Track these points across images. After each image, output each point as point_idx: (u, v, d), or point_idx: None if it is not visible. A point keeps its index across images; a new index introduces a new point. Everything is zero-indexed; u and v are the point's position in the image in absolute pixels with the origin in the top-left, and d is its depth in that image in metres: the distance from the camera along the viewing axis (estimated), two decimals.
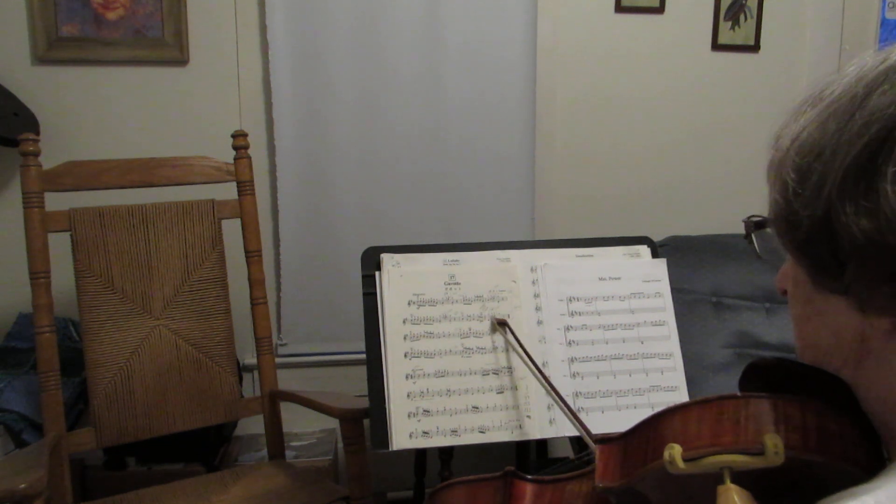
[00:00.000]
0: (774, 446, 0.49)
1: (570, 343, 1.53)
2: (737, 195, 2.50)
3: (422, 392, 1.46)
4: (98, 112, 2.20)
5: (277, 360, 2.09)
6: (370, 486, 1.69)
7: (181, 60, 2.21)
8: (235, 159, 1.92)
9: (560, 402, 1.36)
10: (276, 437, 1.93)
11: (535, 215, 2.45)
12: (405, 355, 1.48)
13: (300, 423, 2.30)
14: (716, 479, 0.51)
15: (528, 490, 0.69)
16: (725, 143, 2.53)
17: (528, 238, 2.41)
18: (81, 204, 1.79)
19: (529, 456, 2.32)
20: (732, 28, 2.48)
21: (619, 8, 2.42)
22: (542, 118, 2.42)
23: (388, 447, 1.42)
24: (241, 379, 2.07)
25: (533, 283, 1.57)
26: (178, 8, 2.17)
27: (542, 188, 2.45)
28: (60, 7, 2.12)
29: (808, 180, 0.51)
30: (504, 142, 2.40)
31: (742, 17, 2.47)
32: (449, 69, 2.33)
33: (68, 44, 2.14)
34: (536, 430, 1.46)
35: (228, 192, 1.92)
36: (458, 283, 1.55)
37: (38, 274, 1.70)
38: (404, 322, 1.50)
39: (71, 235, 1.76)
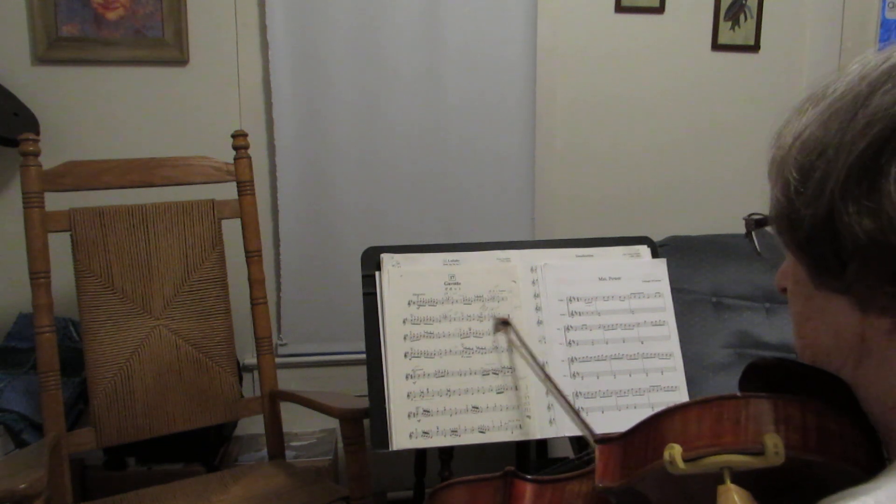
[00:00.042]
0: (775, 446, 0.49)
1: (570, 343, 1.53)
2: (737, 195, 2.50)
3: (422, 392, 1.46)
4: (98, 112, 2.20)
5: (277, 360, 2.09)
6: (370, 486, 1.69)
7: (181, 60, 2.21)
8: (235, 159, 1.92)
9: (564, 401, 1.36)
10: (276, 437, 1.93)
11: (535, 215, 2.45)
12: (405, 355, 1.48)
13: (300, 423, 2.30)
14: (716, 479, 0.51)
15: (528, 490, 0.69)
16: (725, 143, 2.53)
17: (528, 238, 2.41)
18: (81, 204, 1.79)
19: (529, 456, 2.32)
20: (732, 28, 2.48)
21: (619, 8, 2.42)
22: (542, 118, 2.42)
23: (388, 447, 1.42)
24: (241, 379, 2.07)
25: (533, 283, 1.57)
26: (178, 8, 2.17)
27: (542, 188, 2.45)
28: (60, 7, 2.12)
29: (811, 179, 0.51)
30: (504, 142, 2.40)
31: (742, 17, 2.47)
32: (449, 69, 2.33)
33: (68, 44, 2.14)
34: (536, 430, 1.46)
35: (228, 192, 1.92)
36: (458, 283, 1.55)
37: (38, 274, 1.70)
38: (404, 322, 1.50)
39: (71, 235, 1.75)
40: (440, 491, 0.72)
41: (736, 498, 0.49)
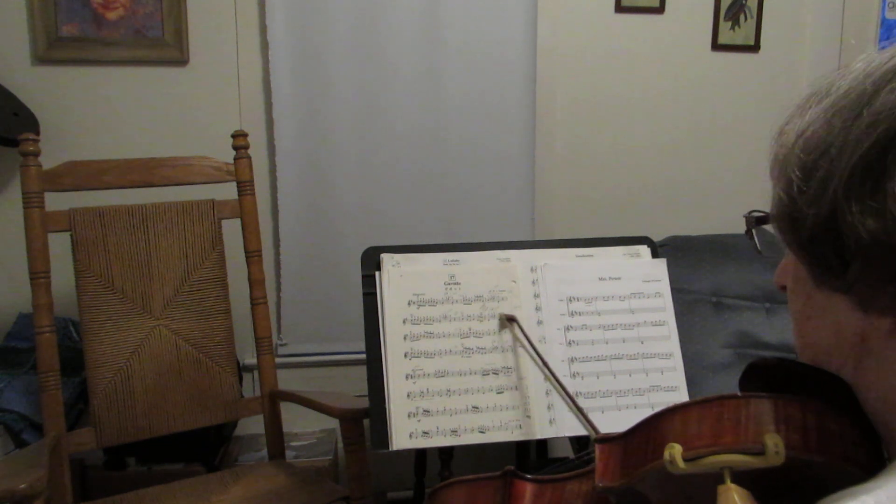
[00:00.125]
0: (775, 446, 0.49)
1: (570, 343, 1.53)
2: (737, 195, 2.50)
3: (422, 392, 1.46)
4: (98, 112, 2.20)
5: (277, 360, 2.09)
6: (370, 486, 1.69)
7: (181, 60, 2.21)
8: (235, 159, 1.92)
9: (568, 398, 1.36)
10: (276, 437, 1.93)
11: (535, 215, 2.45)
12: (405, 355, 1.48)
13: (300, 423, 2.30)
14: (716, 478, 0.51)
15: (528, 490, 0.69)
16: (725, 143, 2.53)
17: (528, 238, 2.41)
18: (81, 204, 1.79)
19: (529, 456, 2.33)
20: (732, 28, 2.48)
21: (619, 8, 2.42)
22: (542, 118, 2.42)
23: (388, 447, 1.42)
24: (241, 379, 2.06)
25: (533, 283, 1.57)
26: (178, 8, 2.17)
27: (542, 188, 2.45)
28: (60, 7, 2.12)
29: (813, 178, 0.51)
30: (504, 142, 2.40)
31: (742, 17, 2.47)
32: (449, 69, 2.33)
33: (68, 44, 2.14)
34: (536, 430, 1.46)
35: (228, 192, 1.92)
36: (458, 283, 1.55)
37: (38, 274, 1.70)
38: (404, 322, 1.50)
39: (71, 235, 1.76)
40: (440, 490, 0.72)
41: (736, 498, 0.49)
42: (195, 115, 2.24)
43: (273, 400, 1.92)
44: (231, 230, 1.94)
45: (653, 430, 0.56)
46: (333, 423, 2.04)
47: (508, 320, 1.49)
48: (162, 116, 2.23)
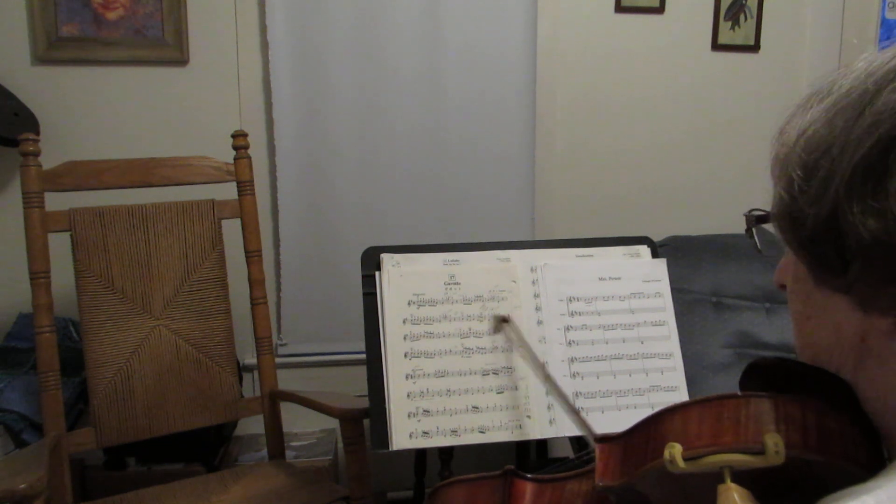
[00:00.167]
0: (775, 445, 0.49)
1: (570, 343, 1.53)
2: (737, 195, 2.50)
3: (422, 392, 1.46)
4: (98, 112, 2.20)
5: (277, 360, 2.09)
6: (370, 486, 1.69)
7: (181, 60, 2.21)
8: (235, 159, 1.92)
9: (562, 399, 1.36)
10: (276, 437, 1.93)
11: (535, 215, 2.45)
12: (405, 355, 1.48)
13: (300, 423, 2.30)
14: (716, 478, 0.51)
15: (528, 489, 0.69)
16: (725, 143, 2.53)
17: (528, 238, 2.41)
18: (81, 204, 1.79)
19: (529, 456, 2.33)
20: (732, 28, 2.48)
21: (619, 8, 2.42)
22: (542, 118, 2.42)
23: (388, 447, 1.42)
24: (241, 379, 2.06)
25: (533, 283, 1.57)
26: (178, 8, 2.17)
27: (542, 188, 2.45)
28: (60, 7, 2.12)
29: (815, 177, 0.51)
30: (504, 142, 2.40)
31: (742, 17, 2.47)
32: (449, 69, 2.33)
33: (68, 44, 2.14)
34: (536, 430, 1.46)
35: (228, 192, 1.92)
36: (458, 283, 1.55)
37: (38, 274, 1.70)
38: (404, 322, 1.50)
39: (71, 235, 1.75)
40: (440, 489, 0.72)
41: (736, 497, 0.49)
42: (195, 115, 2.24)
43: (273, 400, 1.92)
44: (231, 230, 1.94)
45: (653, 429, 0.56)
46: (333, 423, 2.04)
47: (502, 321, 1.49)
48: (162, 116, 2.23)
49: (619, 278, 1.60)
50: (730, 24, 2.47)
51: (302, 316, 2.37)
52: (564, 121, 2.45)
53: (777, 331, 2.13)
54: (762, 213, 0.61)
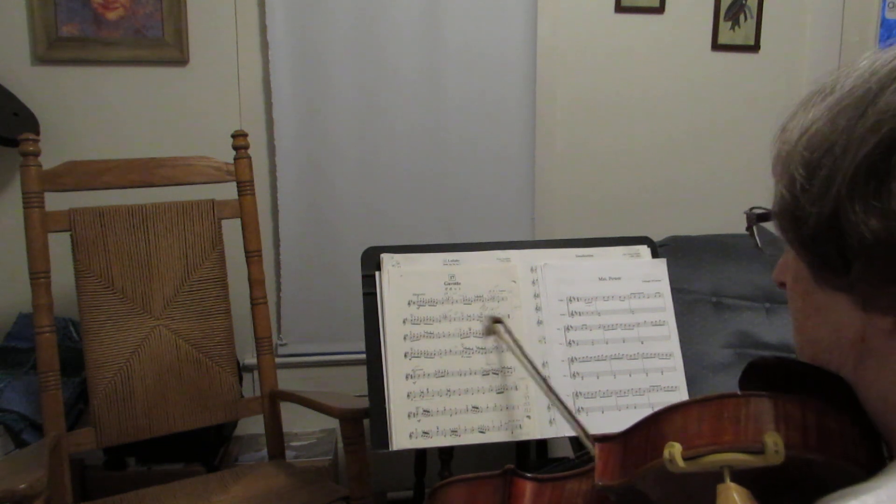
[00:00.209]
0: (775, 445, 0.49)
1: (570, 343, 1.53)
2: (737, 195, 2.50)
3: (422, 392, 1.46)
4: (98, 112, 2.20)
5: (277, 360, 2.09)
6: (370, 486, 1.69)
7: (181, 60, 2.21)
8: (235, 159, 1.92)
9: (556, 400, 1.36)
10: (276, 437, 1.93)
11: (535, 215, 2.45)
12: (405, 355, 1.48)
13: (300, 423, 2.30)
14: (716, 477, 0.51)
15: (528, 488, 0.69)
16: (725, 143, 2.53)
17: (528, 238, 2.41)
18: (81, 204, 1.79)
19: (529, 456, 2.33)
20: (732, 28, 2.48)
21: (619, 8, 2.42)
22: (542, 118, 2.42)
23: (388, 447, 1.42)
24: (241, 379, 2.06)
25: (533, 283, 1.57)
26: (178, 8, 2.17)
27: (542, 188, 2.45)
28: (60, 7, 2.12)
29: (817, 176, 0.50)
30: (504, 142, 2.40)
31: (742, 17, 2.47)
32: (449, 69, 2.33)
33: (68, 44, 2.14)
34: (536, 430, 1.46)
35: (228, 192, 1.92)
36: (458, 283, 1.55)
37: (38, 274, 1.70)
38: (404, 322, 1.50)
39: (71, 235, 1.76)
40: (440, 489, 0.72)
41: (736, 496, 0.49)
42: (195, 115, 2.24)
43: (273, 400, 1.92)
44: (231, 230, 1.94)
45: (653, 428, 0.56)
46: (333, 423, 2.04)
47: (494, 322, 1.49)
48: (162, 116, 2.23)
49: (619, 278, 1.59)
50: (730, 24, 2.47)
51: (302, 316, 2.37)
52: (564, 121, 2.45)
53: (777, 331, 2.13)
54: (763, 211, 0.61)
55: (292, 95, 2.28)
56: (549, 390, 1.37)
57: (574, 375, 1.51)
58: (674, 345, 1.56)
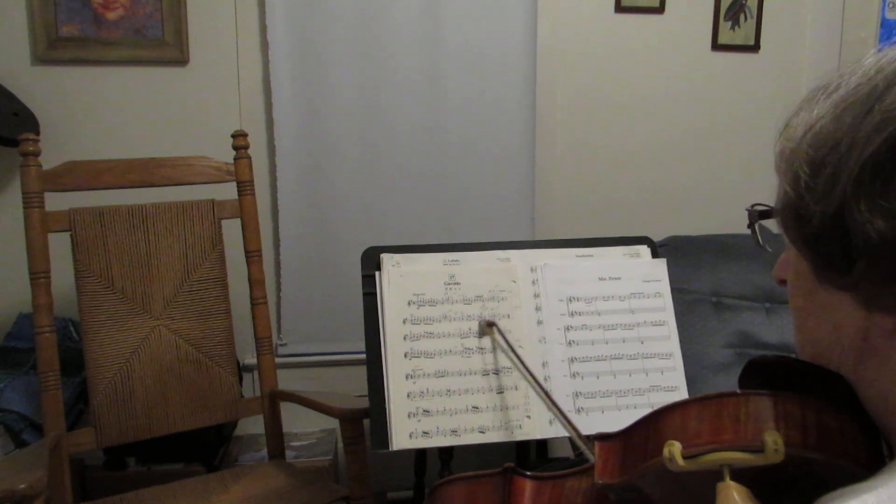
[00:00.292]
0: (774, 443, 0.49)
1: (570, 343, 1.53)
2: (736, 195, 2.50)
3: (422, 392, 1.46)
4: (98, 112, 2.20)
5: (277, 360, 2.09)
6: (370, 486, 1.69)
7: (181, 60, 2.21)
8: (235, 159, 1.92)
9: (548, 401, 1.36)
10: (276, 437, 1.93)
11: (535, 215, 2.45)
12: (405, 355, 1.48)
13: (300, 423, 2.30)
14: (716, 476, 0.51)
15: (528, 486, 0.69)
16: (725, 143, 2.53)
17: (528, 238, 2.41)
18: (81, 204, 1.79)
19: (529, 456, 2.32)
20: (732, 28, 2.48)
21: (619, 8, 2.42)
22: (542, 118, 2.42)
23: (388, 447, 1.42)
24: (241, 379, 2.06)
25: (533, 283, 1.57)
26: (178, 8, 2.17)
27: (542, 188, 2.45)
28: (60, 7, 2.12)
29: (821, 174, 0.50)
30: (504, 142, 2.40)
31: (742, 17, 2.47)
32: (449, 69, 2.33)
33: (68, 44, 2.14)
34: (536, 430, 1.46)
35: (228, 192, 1.92)
36: (458, 283, 1.55)
37: (38, 274, 1.70)
38: (404, 322, 1.50)
39: (71, 235, 1.75)
40: (440, 487, 0.72)
41: (735, 495, 0.49)
42: (195, 115, 2.24)
43: (273, 400, 1.92)
44: (231, 230, 1.94)
45: (652, 427, 0.56)
46: (333, 423, 2.04)
47: (488, 325, 1.49)
48: (162, 116, 2.23)
49: (619, 278, 1.59)
50: (730, 24, 2.47)
51: (302, 316, 2.37)
52: (564, 121, 2.45)
53: (777, 331, 2.13)
54: (765, 208, 0.61)
55: (292, 95, 2.28)
56: (542, 392, 1.37)
57: (574, 375, 1.51)
58: (674, 345, 1.56)
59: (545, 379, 1.48)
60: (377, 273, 1.54)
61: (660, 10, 2.44)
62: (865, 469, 0.49)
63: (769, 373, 0.57)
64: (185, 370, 1.83)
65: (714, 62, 2.49)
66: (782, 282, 0.60)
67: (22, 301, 2.00)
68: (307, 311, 2.37)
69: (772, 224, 0.59)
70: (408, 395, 1.45)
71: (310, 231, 2.35)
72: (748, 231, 0.65)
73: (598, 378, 1.51)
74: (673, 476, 0.52)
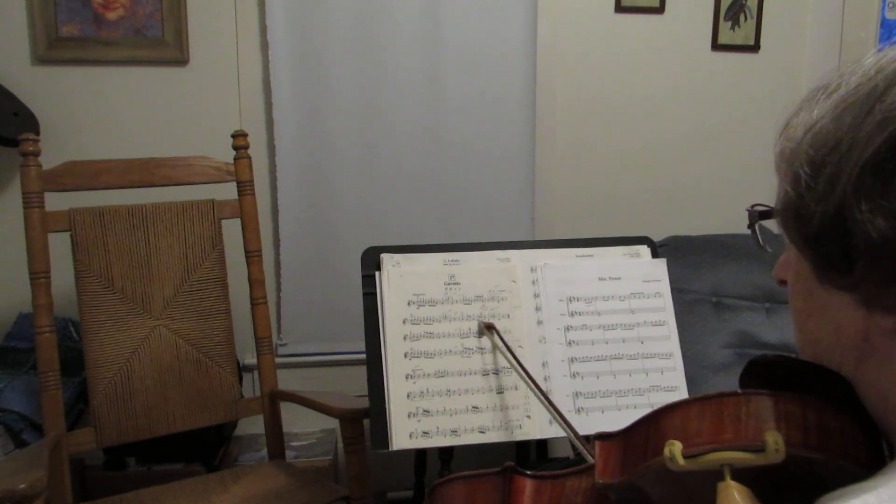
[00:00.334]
0: (775, 443, 0.49)
1: (570, 343, 1.53)
2: (736, 195, 2.50)
3: (422, 392, 1.46)
4: (98, 112, 2.20)
5: (277, 360, 2.09)
6: (370, 486, 1.69)
7: (181, 60, 2.21)
8: (235, 159, 1.92)
9: (547, 402, 1.36)
10: (276, 437, 1.93)
11: (535, 215, 2.45)
12: (405, 355, 1.48)
13: (300, 423, 2.30)
14: (716, 476, 0.50)
15: (528, 486, 0.68)
16: (725, 143, 2.53)
17: (528, 238, 2.41)
18: (81, 204, 1.79)
19: (529, 456, 2.32)
20: (732, 28, 2.48)
21: (619, 8, 2.42)
22: (542, 118, 2.42)
23: (388, 447, 1.42)
24: (241, 379, 2.06)
25: (533, 283, 1.57)
26: (178, 8, 2.17)
27: (542, 188, 2.45)
28: (60, 7, 2.12)
29: (822, 174, 0.50)
30: (504, 142, 2.40)
31: (742, 17, 2.47)
32: (449, 69, 2.33)
33: (68, 44, 2.14)
34: (536, 429, 1.46)
35: (228, 192, 1.92)
36: (458, 283, 1.55)
37: (38, 274, 1.70)
38: (404, 322, 1.50)
39: (71, 235, 1.75)
40: (440, 486, 0.72)
41: (736, 495, 0.49)
42: (195, 115, 2.24)
43: (273, 400, 1.92)
44: (231, 230, 1.94)
45: (653, 426, 0.56)
46: (333, 423, 2.04)
47: (487, 328, 1.49)
48: (162, 116, 2.23)
49: (619, 278, 1.59)
50: (730, 24, 2.47)
51: (302, 316, 2.37)
52: (564, 121, 2.45)
53: (777, 331, 2.13)
54: (765, 208, 0.61)
55: (292, 95, 2.28)
56: (540, 394, 1.37)
57: (574, 375, 1.51)
58: (674, 345, 1.56)
59: (545, 379, 1.48)
60: (377, 273, 1.54)
61: (660, 10, 2.44)
62: (866, 469, 0.49)
63: (770, 373, 0.57)
64: (185, 370, 1.83)
65: (714, 62, 2.49)
66: (782, 282, 0.60)
67: (22, 301, 2.00)
68: (307, 311, 2.37)
69: (772, 224, 0.59)
70: (408, 395, 1.45)
71: (310, 231, 2.35)
72: (748, 231, 0.65)
73: (598, 378, 1.51)
74: (673, 476, 0.52)
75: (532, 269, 1.58)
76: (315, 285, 2.36)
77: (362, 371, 1.49)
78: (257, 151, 2.21)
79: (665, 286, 1.60)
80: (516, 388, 1.48)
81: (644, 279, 1.60)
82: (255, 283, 1.92)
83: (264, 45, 2.25)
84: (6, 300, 2.14)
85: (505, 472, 0.70)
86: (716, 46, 2.48)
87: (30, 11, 2.12)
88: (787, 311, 0.59)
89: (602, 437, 0.62)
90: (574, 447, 1.24)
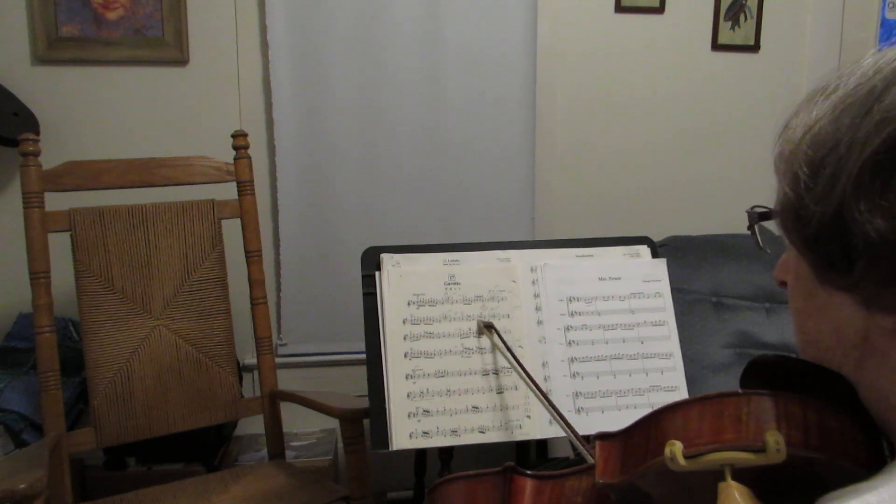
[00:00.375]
0: (776, 443, 0.49)
1: (570, 343, 1.53)
2: (736, 195, 2.50)
3: (422, 392, 1.46)
4: (98, 112, 2.20)
5: (277, 360, 2.09)
6: (370, 486, 1.69)
7: (181, 60, 2.21)
8: (235, 159, 1.92)
9: (547, 403, 1.36)
10: (276, 437, 1.93)
11: (535, 215, 2.45)
12: (405, 355, 1.48)
13: (300, 423, 2.30)
14: (717, 476, 0.50)
15: (528, 485, 0.68)
16: (725, 143, 2.53)
17: (528, 238, 2.41)
18: (81, 204, 1.79)
19: (529, 456, 2.32)
20: (732, 28, 2.48)
21: (619, 8, 2.42)
22: (542, 118, 2.42)
23: (388, 447, 1.42)
24: (241, 379, 2.06)
25: (533, 283, 1.57)
26: (178, 8, 2.17)
27: (542, 188, 2.45)
28: (60, 7, 2.12)
29: (821, 175, 0.50)
30: (504, 142, 2.40)
31: (742, 17, 2.47)
32: (449, 69, 2.33)
33: (68, 44, 2.14)
34: (536, 429, 1.46)
35: (228, 192, 1.92)
36: (458, 283, 1.55)
37: (38, 274, 1.70)
38: (404, 322, 1.50)
39: (71, 235, 1.75)
40: (440, 486, 0.72)
41: (737, 495, 0.49)
42: (195, 115, 2.24)
43: (273, 400, 1.92)
44: (231, 230, 1.94)
45: (653, 426, 0.56)
46: (333, 423, 2.04)
47: (486, 327, 1.49)
48: (162, 116, 2.23)
49: (619, 278, 1.59)
50: (730, 24, 2.47)
51: (302, 316, 2.37)
52: (564, 121, 2.45)
53: (777, 331, 2.13)
54: (765, 209, 0.61)
55: (292, 95, 2.28)
56: (539, 394, 1.37)
57: (574, 375, 1.51)
58: (674, 345, 1.56)
59: (545, 379, 1.48)
60: (377, 273, 1.54)
61: (660, 10, 2.44)
62: (866, 469, 0.49)
63: (770, 373, 0.57)
64: (185, 370, 1.83)
65: (714, 62, 2.49)
66: (783, 283, 0.60)
67: (22, 301, 2.00)
68: (307, 311, 2.37)
69: (772, 226, 0.59)
70: (408, 395, 1.45)
71: (310, 231, 2.35)
72: (748, 232, 0.65)
73: (598, 378, 1.51)
74: (674, 476, 0.52)
75: (532, 269, 1.58)
76: (315, 285, 2.36)
77: (362, 371, 1.49)
78: (257, 151, 2.21)
79: (665, 286, 1.60)
80: (516, 388, 1.48)
81: (644, 279, 1.60)
82: (255, 283, 1.92)
83: (264, 45, 2.25)
84: (6, 300, 2.14)
85: (505, 471, 0.70)
86: (716, 46, 2.48)
87: (30, 11, 2.12)
88: (787, 311, 0.59)
89: (602, 437, 0.62)
90: (574, 447, 1.23)
